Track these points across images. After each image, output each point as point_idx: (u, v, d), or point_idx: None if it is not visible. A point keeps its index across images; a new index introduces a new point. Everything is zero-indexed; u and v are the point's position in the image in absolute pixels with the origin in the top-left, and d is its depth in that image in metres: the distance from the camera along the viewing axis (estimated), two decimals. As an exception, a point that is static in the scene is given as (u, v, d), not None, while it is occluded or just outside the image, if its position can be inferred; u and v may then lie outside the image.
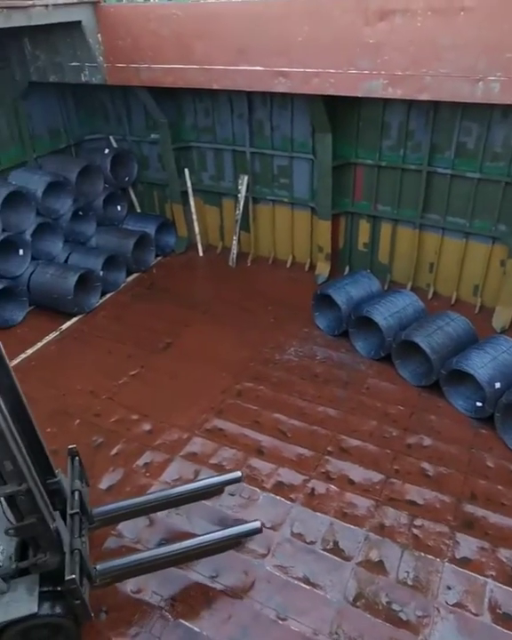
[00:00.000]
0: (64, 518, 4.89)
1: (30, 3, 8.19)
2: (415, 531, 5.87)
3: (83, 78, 9.82)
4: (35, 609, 4.41)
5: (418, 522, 5.97)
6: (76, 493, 5.10)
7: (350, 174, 9.78)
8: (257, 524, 5.55)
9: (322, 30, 7.65)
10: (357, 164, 9.63)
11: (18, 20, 8.21)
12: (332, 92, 8.06)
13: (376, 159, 9.41)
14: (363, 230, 10.26)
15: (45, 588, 4.55)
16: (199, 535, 5.51)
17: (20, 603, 4.43)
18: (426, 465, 6.64)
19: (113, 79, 9.67)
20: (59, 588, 4.60)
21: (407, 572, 5.50)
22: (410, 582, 5.42)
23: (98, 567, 4.87)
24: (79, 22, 9.00)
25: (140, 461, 6.84)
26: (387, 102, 8.72)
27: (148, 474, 6.68)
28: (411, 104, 8.58)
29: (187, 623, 5.14)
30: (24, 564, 4.56)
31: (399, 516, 6.04)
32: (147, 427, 7.39)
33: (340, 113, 9.11)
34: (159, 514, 6.09)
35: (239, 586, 5.44)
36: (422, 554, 5.64)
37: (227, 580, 5.48)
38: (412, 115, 8.77)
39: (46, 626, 4.63)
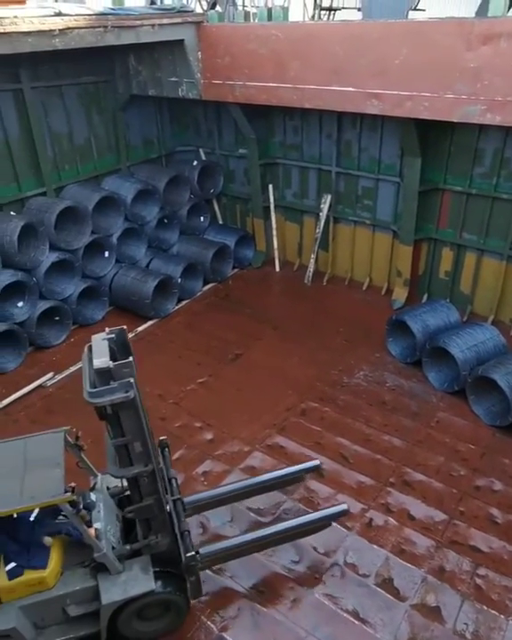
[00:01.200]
0: None
1: (139, 22, 8.65)
2: (478, 580, 5.57)
3: (180, 93, 10.23)
4: (152, 586, 4.72)
5: (481, 571, 5.65)
6: (173, 481, 5.38)
7: (437, 200, 9.57)
8: (344, 507, 5.63)
9: (420, 53, 7.57)
10: (445, 190, 9.41)
11: (127, 38, 8.71)
12: (425, 115, 7.93)
13: (466, 186, 9.14)
14: (445, 258, 9.99)
15: (157, 569, 4.86)
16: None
17: (138, 581, 4.74)
18: (495, 511, 6.30)
19: (208, 95, 10.01)
20: (168, 569, 4.88)
21: (466, 625, 5.20)
22: (468, 636, 5.12)
23: (201, 551, 5.01)
24: (182, 41, 9.41)
25: (200, 469, 6.93)
26: (482, 128, 8.48)
27: (205, 482, 6.75)
28: (508, 131, 8.29)
29: (230, 638, 5.13)
30: (137, 546, 4.83)
31: (461, 562, 5.75)
32: (209, 435, 7.49)
33: (431, 137, 8.96)
34: (212, 524, 6.17)
35: (286, 608, 5.37)
36: (484, 607, 5.33)
37: (274, 601, 5.43)
38: (508, 142, 8.46)
39: (160, 603, 4.95)
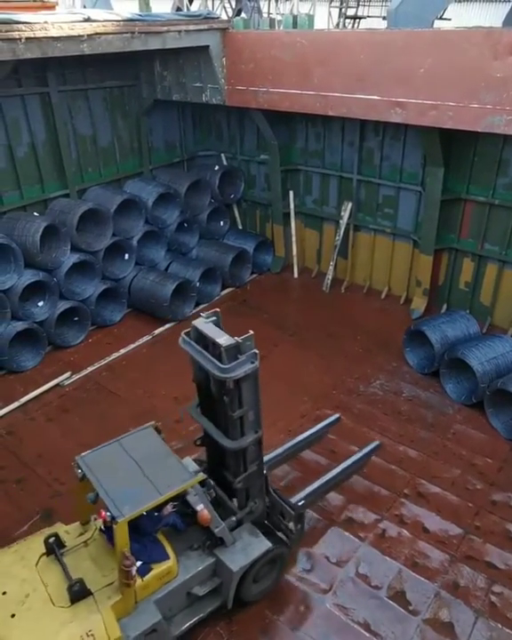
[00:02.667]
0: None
1: (166, 29, 8.74)
2: (493, 597, 5.47)
3: (203, 98, 10.30)
4: (269, 545, 5.23)
5: (497, 588, 5.55)
6: None
7: (458, 210, 9.48)
8: (377, 443, 6.75)
9: (446, 62, 7.53)
10: (467, 200, 9.33)
11: (153, 44, 8.80)
12: (449, 125, 7.88)
13: (489, 196, 9.05)
14: (466, 269, 9.89)
15: (261, 530, 5.40)
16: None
17: (254, 545, 5.23)
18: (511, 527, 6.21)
19: (232, 101, 10.05)
20: (267, 530, 5.42)
21: (479, 642, 5.13)
22: (482, 653, 5.06)
23: (298, 497, 5.70)
24: (207, 47, 9.48)
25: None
26: (507, 138, 8.41)
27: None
28: (534, 142, 8.23)
29: (239, 646, 5.11)
30: (240, 515, 5.24)
31: (476, 578, 5.65)
32: (223, 440, 7.48)
33: (454, 147, 8.90)
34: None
35: (296, 618, 5.33)
36: (499, 625, 5.23)
37: (285, 610, 5.40)
38: (534, 153, 8.40)
39: (271, 559, 5.38)
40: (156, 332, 10.00)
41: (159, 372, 8.92)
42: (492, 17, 22.31)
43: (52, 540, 4.76)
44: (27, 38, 7.12)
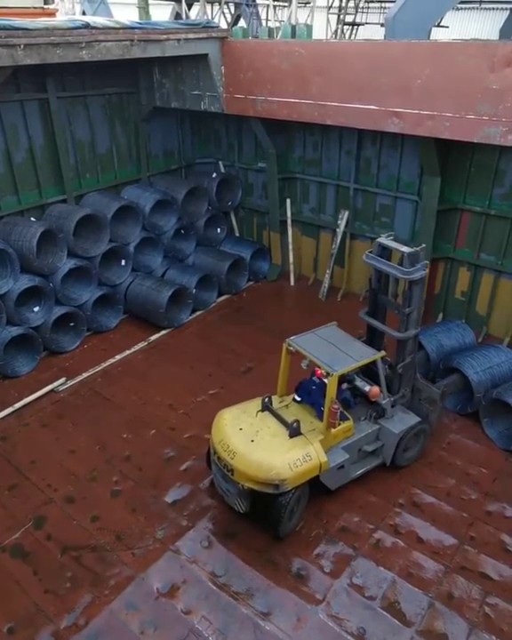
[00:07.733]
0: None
1: (165, 37, 8.79)
2: (487, 609, 5.44)
3: (202, 106, 10.35)
4: (418, 419, 6.80)
5: (491, 600, 5.53)
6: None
7: (455, 220, 9.53)
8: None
9: (443, 74, 7.60)
10: (464, 209, 9.38)
11: (152, 52, 8.85)
12: (446, 135, 7.94)
13: (485, 206, 9.11)
14: (461, 278, 9.93)
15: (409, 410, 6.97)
16: None
17: (407, 418, 6.81)
18: (506, 538, 6.17)
19: (230, 108, 10.11)
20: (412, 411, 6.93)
21: (474, 654, 5.10)
22: (476, 666, 5.02)
23: (443, 385, 7.37)
24: (206, 55, 9.54)
25: (207, 481, 6.87)
26: (503, 149, 8.47)
27: (213, 495, 6.68)
28: (530, 153, 8.29)
29: (231, 657, 5.06)
30: (394, 399, 6.72)
31: (470, 589, 5.63)
32: (218, 448, 7.44)
33: (451, 157, 8.97)
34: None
35: (289, 627, 5.29)
36: (494, 637, 5.20)
37: (278, 621, 5.36)
38: (530, 164, 8.46)
39: (417, 433, 6.83)
40: (152, 338, 9.98)
41: (154, 378, 8.90)
42: (489, 25, 22.50)
43: (266, 400, 6.42)
44: (26, 44, 7.15)
